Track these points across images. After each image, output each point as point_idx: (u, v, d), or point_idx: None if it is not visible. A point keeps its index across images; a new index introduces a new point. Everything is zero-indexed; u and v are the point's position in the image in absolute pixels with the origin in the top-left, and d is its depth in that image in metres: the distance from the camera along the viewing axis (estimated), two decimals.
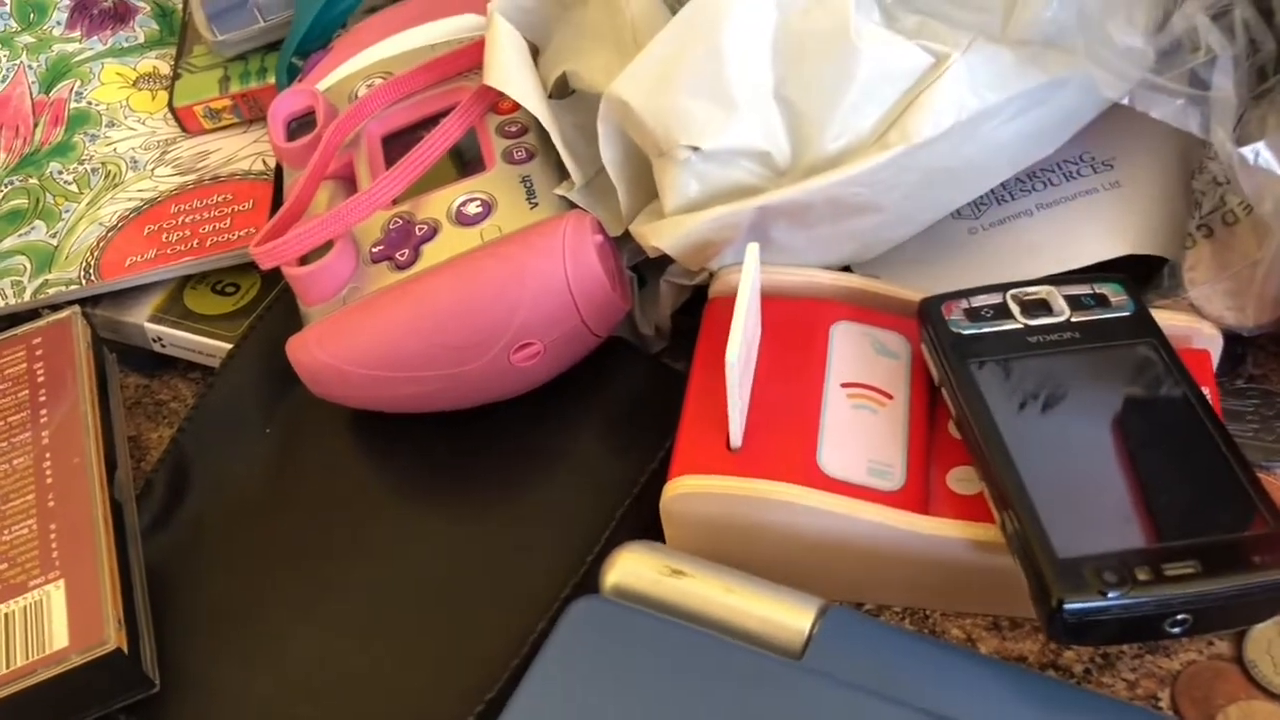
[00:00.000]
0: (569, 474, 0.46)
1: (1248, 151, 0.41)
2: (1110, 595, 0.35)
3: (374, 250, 0.47)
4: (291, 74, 0.58)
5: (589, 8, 0.47)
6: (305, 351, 0.46)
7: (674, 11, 0.43)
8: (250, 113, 0.61)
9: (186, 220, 0.56)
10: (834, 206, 0.43)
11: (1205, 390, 0.41)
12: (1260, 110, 0.45)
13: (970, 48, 0.42)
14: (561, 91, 0.49)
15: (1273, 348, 0.48)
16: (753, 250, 0.41)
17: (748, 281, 0.40)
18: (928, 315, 0.42)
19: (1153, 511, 0.37)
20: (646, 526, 0.45)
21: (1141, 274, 0.47)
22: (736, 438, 0.41)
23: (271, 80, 0.60)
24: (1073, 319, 0.42)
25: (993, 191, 0.49)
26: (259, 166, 0.58)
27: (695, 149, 0.43)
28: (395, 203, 0.48)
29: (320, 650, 0.43)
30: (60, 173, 0.60)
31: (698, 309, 0.50)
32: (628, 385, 0.49)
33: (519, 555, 0.44)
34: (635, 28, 0.44)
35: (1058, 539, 0.36)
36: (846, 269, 0.47)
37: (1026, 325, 0.42)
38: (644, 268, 0.50)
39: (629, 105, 0.43)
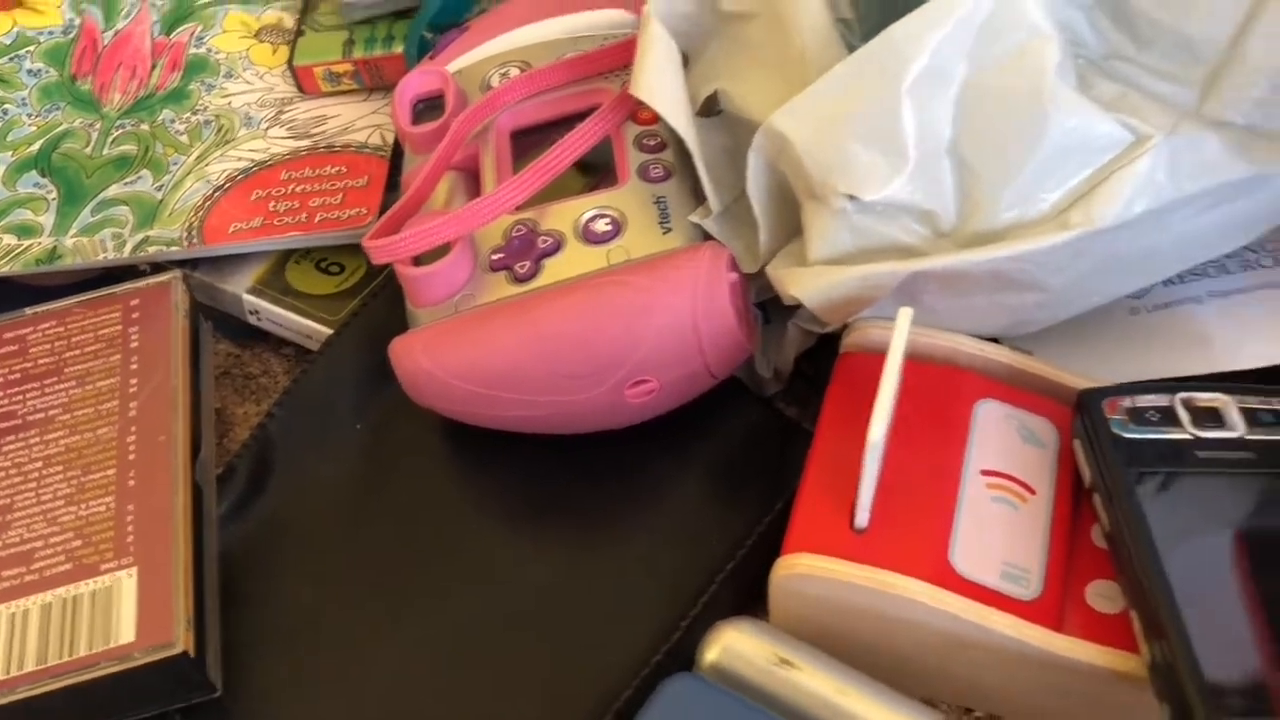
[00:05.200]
0: (670, 522, 0.43)
1: None
2: None
3: (493, 258, 0.44)
4: (423, 47, 0.55)
5: (753, 25, 0.43)
6: (410, 357, 0.43)
7: (850, 46, 0.40)
8: (372, 81, 0.58)
9: (296, 190, 0.54)
10: (994, 280, 0.40)
11: None
12: None
13: (1173, 130, 0.39)
14: (708, 109, 0.46)
15: None
16: (905, 318, 0.38)
17: (897, 354, 0.37)
18: (1086, 409, 0.39)
19: None
20: (748, 592, 0.42)
21: None
22: (864, 518, 0.38)
23: (397, 49, 0.57)
24: (1248, 436, 0.38)
25: None
26: (376, 140, 0.56)
27: (854, 198, 0.39)
28: (519, 208, 0.45)
29: (390, 676, 0.41)
30: (173, 121, 0.58)
31: (818, 353, 0.47)
32: (738, 430, 0.46)
33: (610, 605, 0.41)
34: (806, 57, 0.41)
35: (1212, 680, 0.33)
36: (994, 340, 0.44)
37: (1196, 437, 0.38)
38: (769, 305, 0.47)
39: (789, 141, 0.40)
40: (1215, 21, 0.41)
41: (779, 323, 0.47)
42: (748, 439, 0.45)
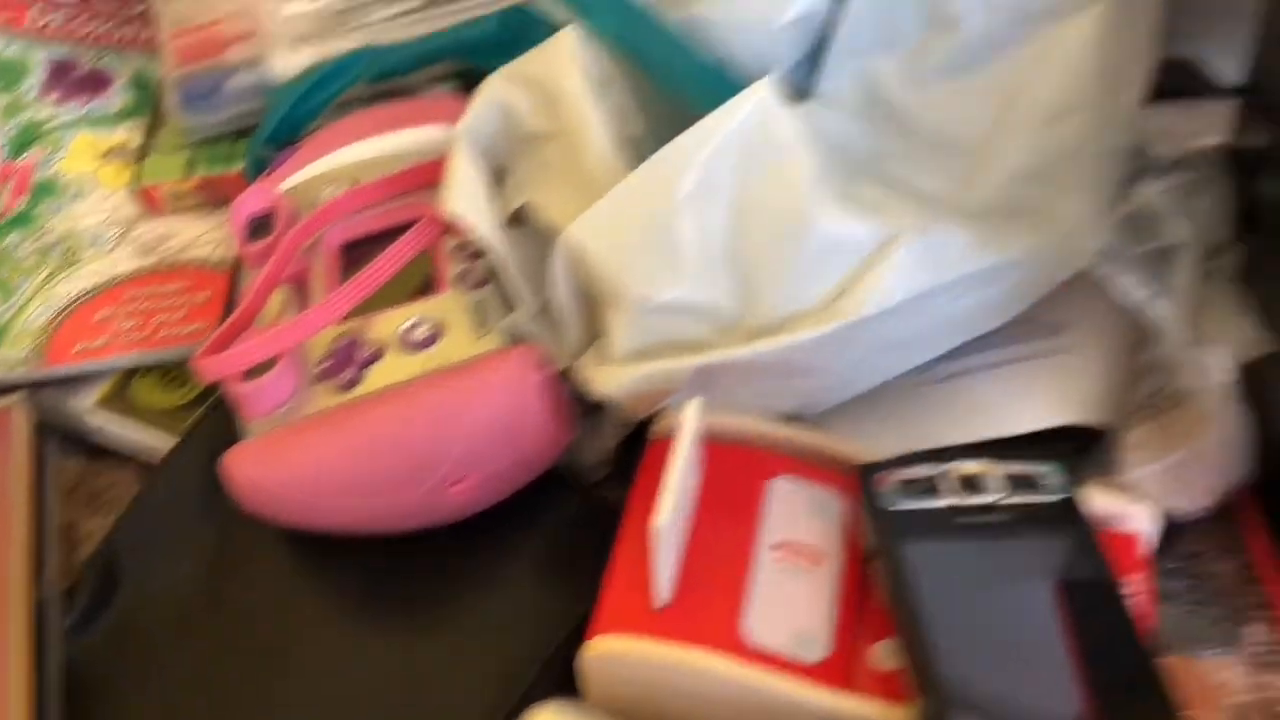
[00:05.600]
0: (494, 611, 0.46)
1: (1194, 348, 0.42)
2: None
3: (319, 369, 0.47)
4: (260, 165, 0.58)
5: (551, 145, 0.47)
6: (240, 469, 0.45)
7: (640, 161, 0.44)
8: (214, 198, 0.60)
9: (141, 307, 0.56)
10: (777, 368, 0.43)
11: (1133, 577, 0.41)
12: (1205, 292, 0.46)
13: (926, 226, 0.43)
14: (521, 220, 0.49)
15: (1208, 526, 0.48)
16: (693, 409, 0.41)
17: (684, 442, 0.40)
18: (863, 483, 0.42)
19: (1067, 706, 0.37)
20: (572, 678, 0.45)
21: (1083, 440, 0.47)
22: (661, 597, 0.41)
23: (239, 167, 0.60)
24: (1003, 501, 0.42)
25: None
26: (219, 255, 0.58)
27: (644, 300, 0.43)
28: (345, 320, 0.48)
29: None
30: (19, 245, 0.60)
31: (638, 440, 0.50)
32: (560, 519, 0.48)
33: (437, 697, 0.44)
34: (593, 175, 0.44)
35: None
36: (792, 418, 0.47)
37: (957, 505, 0.41)
38: (589, 397, 0.50)
39: (584, 249, 0.43)
40: (971, 123, 0.46)
41: (598, 413, 0.50)
42: (570, 527, 0.48)
